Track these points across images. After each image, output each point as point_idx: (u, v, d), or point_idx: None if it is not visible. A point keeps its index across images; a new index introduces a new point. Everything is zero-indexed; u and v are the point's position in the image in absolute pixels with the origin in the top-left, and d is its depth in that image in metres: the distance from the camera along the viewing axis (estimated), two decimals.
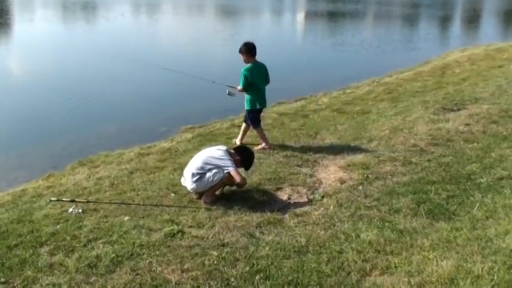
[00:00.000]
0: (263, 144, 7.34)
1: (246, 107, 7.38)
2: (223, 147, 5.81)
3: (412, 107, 9.54)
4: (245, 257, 4.31)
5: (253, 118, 7.41)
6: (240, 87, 7.28)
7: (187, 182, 5.58)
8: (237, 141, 7.58)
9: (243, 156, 5.83)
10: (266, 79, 7.35)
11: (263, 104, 7.43)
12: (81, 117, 10.36)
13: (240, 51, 7.11)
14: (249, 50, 7.08)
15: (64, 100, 11.54)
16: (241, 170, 5.81)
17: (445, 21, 37.75)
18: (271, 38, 24.95)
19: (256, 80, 7.19)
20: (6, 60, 17.78)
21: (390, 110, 9.60)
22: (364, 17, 41.39)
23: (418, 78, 13.03)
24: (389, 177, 5.98)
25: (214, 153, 5.66)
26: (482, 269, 3.67)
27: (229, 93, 7.44)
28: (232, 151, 5.81)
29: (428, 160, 6.48)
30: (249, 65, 7.14)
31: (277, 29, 31.06)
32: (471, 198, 5.20)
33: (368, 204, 5.25)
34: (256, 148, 7.13)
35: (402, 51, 21.43)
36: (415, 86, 11.93)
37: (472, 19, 38.49)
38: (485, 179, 5.68)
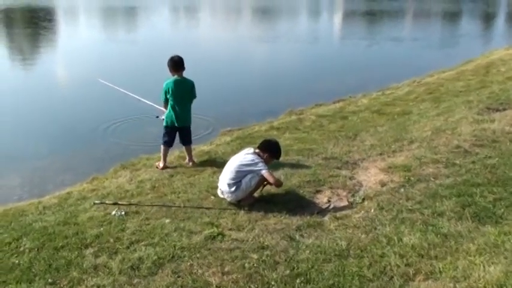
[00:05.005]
0: (159, 163, 7.16)
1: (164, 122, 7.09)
2: (251, 150, 5.77)
3: (455, 107, 9.31)
4: (285, 260, 4.29)
5: (165, 134, 7.07)
6: (163, 108, 7.08)
7: (226, 193, 5.58)
8: (188, 163, 7.22)
9: (269, 150, 5.78)
10: (191, 97, 6.95)
11: (181, 123, 6.95)
12: (122, 121, 10.53)
13: (167, 65, 6.79)
14: (173, 64, 6.74)
15: (105, 104, 11.80)
16: (280, 172, 5.76)
17: (488, 18, 36.70)
18: (309, 39, 24.88)
19: (178, 96, 6.81)
20: (51, 66, 18.34)
21: (432, 110, 9.40)
22: (403, 15, 40.79)
23: (461, 78, 12.71)
24: (432, 179, 5.85)
25: (244, 159, 5.63)
26: None
27: (158, 116, 7.26)
28: (258, 150, 5.76)
29: (473, 162, 6.29)
30: (172, 78, 6.81)
31: (315, 30, 30.93)
32: None
33: (410, 207, 5.14)
34: (155, 164, 7.18)
35: (443, 51, 20.95)
36: (458, 86, 11.65)
37: None
38: None
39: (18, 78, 15.88)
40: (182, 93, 6.85)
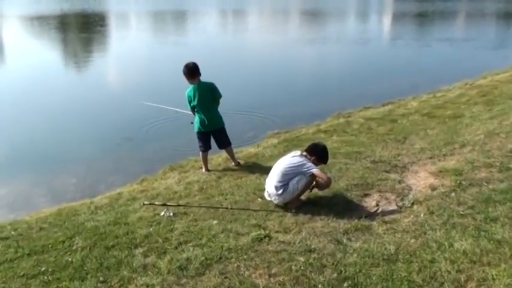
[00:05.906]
0: (203, 169, 7.20)
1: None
2: (298, 153, 5.74)
3: (509, 110, 8.98)
4: (332, 263, 4.25)
5: (199, 140, 7.12)
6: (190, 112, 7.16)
7: (273, 196, 5.58)
8: (233, 164, 7.33)
9: (316, 153, 5.73)
10: (213, 99, 6.92)
11: (209, 127, 6.99)
12: (171, 123, 10.73)
13: (183, 72, 6.77)
14: (188, 71, 6.71)
15: (154, 107, 12.06)
16: (327, 175, 5.72)
17: None
18: (358, 41, 24.60)
19: (199, 102, 6.82)
20: (103, 70, 18.91)
21: (485, 113, 9.11)
22: (455, 16, 39.71)
23: None
24: (485, 184, 5.65)
25: (291, 161, 5.61)
26: None
27: (192, 122, 7.24)
28: (305, 153, 5.73)
29: None
30: (191, 86, 6.83)
31: (364, 31, 30.55)
32: None
33: (462, 212, 4.99)
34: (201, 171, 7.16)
35: (497, 52, 20.25)
36: None
37: None
38: None
39: (73, 82, 16.44)
40: (203, 98, 6.84)
